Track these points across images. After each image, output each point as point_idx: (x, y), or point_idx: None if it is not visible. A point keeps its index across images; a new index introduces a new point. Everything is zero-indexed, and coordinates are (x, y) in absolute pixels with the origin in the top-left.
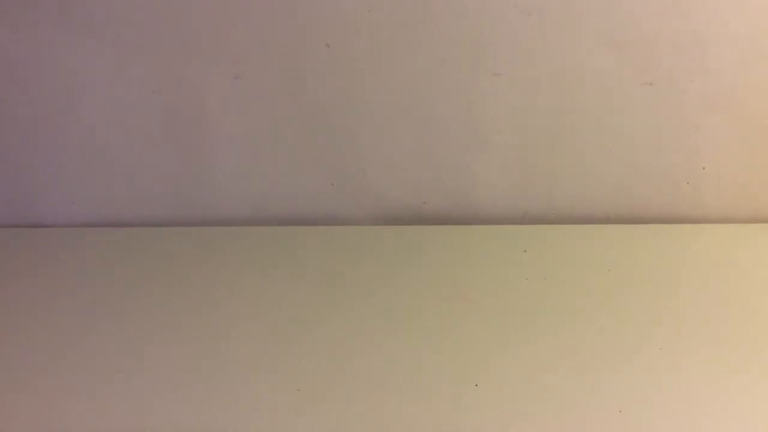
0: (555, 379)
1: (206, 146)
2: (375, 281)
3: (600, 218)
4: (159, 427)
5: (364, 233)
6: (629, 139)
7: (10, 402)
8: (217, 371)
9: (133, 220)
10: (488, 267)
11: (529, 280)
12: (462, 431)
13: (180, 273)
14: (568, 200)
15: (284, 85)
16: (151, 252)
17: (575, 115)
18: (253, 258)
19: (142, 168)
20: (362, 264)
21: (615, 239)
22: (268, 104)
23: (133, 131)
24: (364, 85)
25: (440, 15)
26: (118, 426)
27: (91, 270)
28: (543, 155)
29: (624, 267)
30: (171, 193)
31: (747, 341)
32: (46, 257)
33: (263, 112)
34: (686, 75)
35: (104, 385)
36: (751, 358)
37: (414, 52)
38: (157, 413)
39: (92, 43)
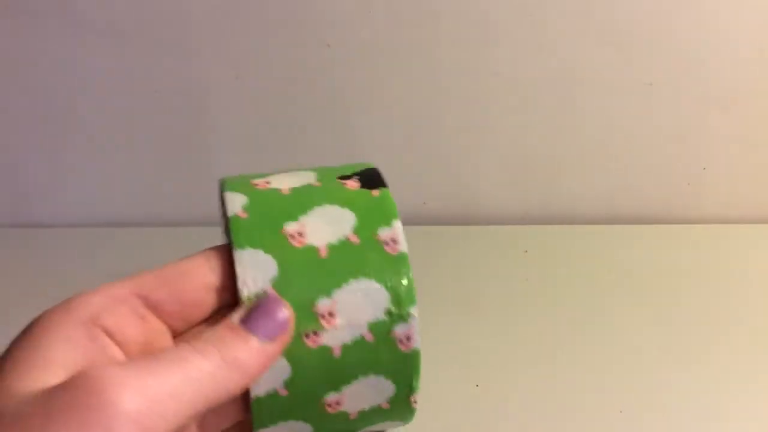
0: (555, 378)
1: (207, 146)
2: None
3: (600, 218)
4: None
5: None
6: (629, 139)
7: None
8: None
9: (133, 220)
10: (488, 267)
11: (529, 280)
12: (462, 431)
13: None
14: (568, 200)
15: (284, 85)
16: (151, 252)
17: (575, 115)
18: None
19: (142, 168)
20: None
21: (615, 239)
22: (268, 104)
23: (133, 131)
24: (364, 85)
25: (440, 15)
26: None
27: (91, 270)
28: (543, 155)
29: (624, 267)
30: (171, 193)
31: (748, 342)
32: (46, 257)
33: (264, 112)
34: (686, 75)
35: None
36: (752, 358)
37: (414, 52)
38: None
39: (92, 43)
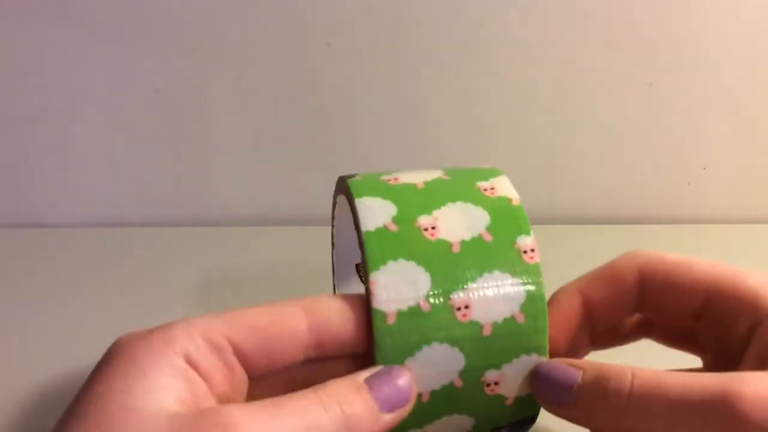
0: None
1: (207, 146)
2: None
3: (600, 218)
4: None
5: None
6: (629, 139)
7: (10, 404)
8: None
9: (133, 220)
10: None
11: None
12: None
13: (180, 273)
14: (568, 200)
15: (285, 85)
16: (151, 252)
17: (575, 115)
18: (253, 258)
19: (142, 168)
20: None
21: (615, 239)
22: (268, 104)
23: (134, 131)
24: (364, 85)
25: (440, 15)
26: None
27: (91, 270)
28: (543, 155)
29: None
30: (171, 193)
31: None
32: (46, 257)
33: (264, 113)
34: (686, 75)
35: None
36: None
37: (414, 52)
38: None
39: (93, 43)
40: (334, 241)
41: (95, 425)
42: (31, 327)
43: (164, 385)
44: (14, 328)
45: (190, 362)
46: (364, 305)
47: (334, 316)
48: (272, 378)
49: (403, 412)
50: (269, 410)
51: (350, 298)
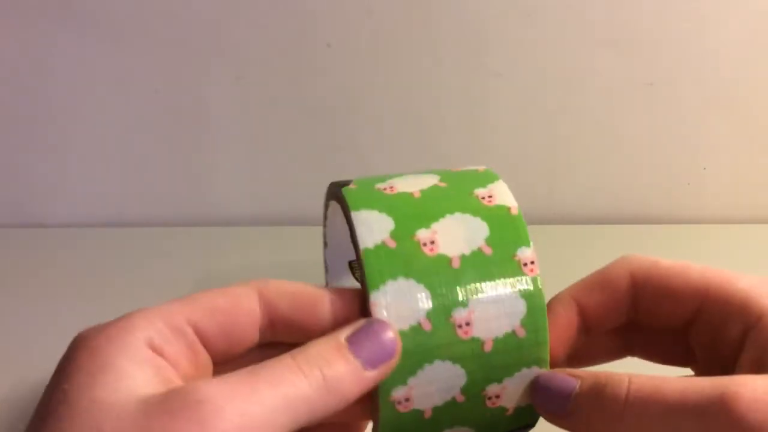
0: None
1: (207, 146)
2: None
3: (600, 218)
4: None
5: None
6: (629, 139)
7: (10, 404)
8: None
9: (133, 220)
10: None
11: None
12: None
13: (180, 273)
14: (568, 200)
15: (285, 85)
16: (151, 252)
17: (575, 115)
18: (253, 258)
19: (142, 168)
20: None
21: (615, 239)
22: (269, 104)
23: (134, 131)
24: (364, 85)
25: (440, 15)
26: None
27: (91, 270)
28: (543, 155)
29: None
30: (171, 193)
31: None
32: (46, 257)
33: (264, 113)
34: (686, 75)
35: None
36: None
37: (414, 52)
38: None
39: (93, 43)
40: (326, 240)
41: (66, 422)
42: (31, 327)
43: (131, 373)
44: (14, 328)
45: (154, 348)
46: (330, 296)
47: (284, 300)
48: (236, 363)
49: (387, 366)
50: (244, 384)
51: (310, 287)
